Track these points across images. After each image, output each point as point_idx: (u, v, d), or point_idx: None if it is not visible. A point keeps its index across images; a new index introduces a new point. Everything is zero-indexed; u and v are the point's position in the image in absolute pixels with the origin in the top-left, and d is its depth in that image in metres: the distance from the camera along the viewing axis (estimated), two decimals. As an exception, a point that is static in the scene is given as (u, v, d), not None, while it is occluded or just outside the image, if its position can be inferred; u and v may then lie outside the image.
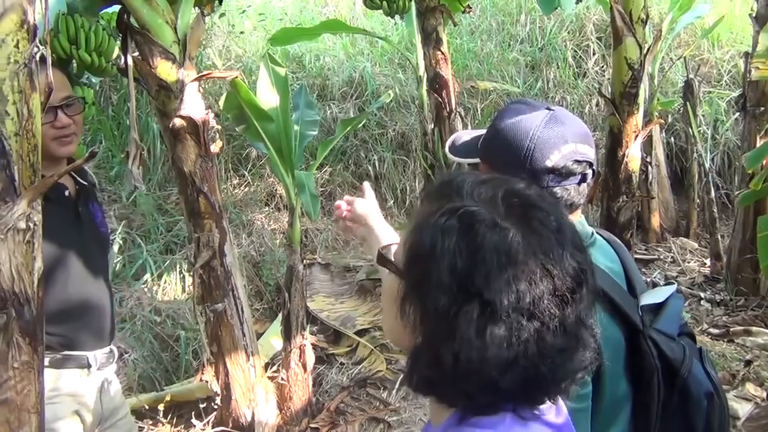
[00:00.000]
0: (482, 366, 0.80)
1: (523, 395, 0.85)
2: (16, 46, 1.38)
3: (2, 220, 1.38)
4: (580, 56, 7.61)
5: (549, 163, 1.33)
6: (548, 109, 1.39)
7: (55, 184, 2.01)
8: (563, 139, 1.34)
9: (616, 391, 1.33)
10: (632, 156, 3.67)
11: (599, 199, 3.91)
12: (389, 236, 1.37)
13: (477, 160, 1.44)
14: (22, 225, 1.40)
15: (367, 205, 1.43)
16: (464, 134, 1.56)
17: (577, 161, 1.34)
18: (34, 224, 1.44)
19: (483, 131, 1.51)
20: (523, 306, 0.80)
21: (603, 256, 1.41)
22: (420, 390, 0.89)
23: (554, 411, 0.91)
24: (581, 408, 1.22)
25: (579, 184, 1.37)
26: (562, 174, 1.34)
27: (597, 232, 1.47)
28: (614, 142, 3.70)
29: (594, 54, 7.58)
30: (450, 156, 1.54)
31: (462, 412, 0.87)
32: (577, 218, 1.41)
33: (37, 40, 1.43)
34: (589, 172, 1.38)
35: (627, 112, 3.59)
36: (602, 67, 7.54)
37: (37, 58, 1.44)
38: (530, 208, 0.86)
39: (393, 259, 0.98)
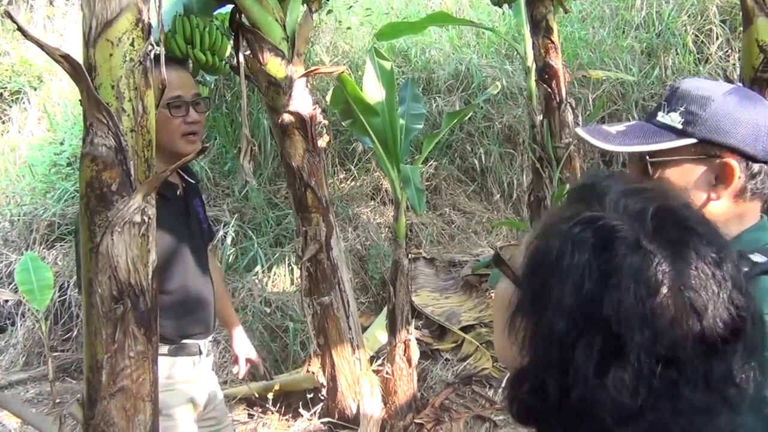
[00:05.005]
0: (596, 410, 0.67)
1: None
2: (132, 44, 1.43)
3: (119, 213, 1.43)
4: (702, 41, 7.13)
5: None
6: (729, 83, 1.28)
7: (169, 184, 2.09)
8: None
9: None
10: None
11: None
12: None
13: (687, 140, 1.25)
14: (138, 218, 1.45)
15: None
16: (606, 127, 1.37)
17: None
18: (149, 218, 1.48)
19: (624, 123, 1.35)
20: (659, 349, 0.66)
21: None
22: (520, 419, 0.76)
23: None
24: None
25: None
26: None
27: None
28: (742, 132, 3.41)
29: (717, 38, 7.08)
30: (621, 149, 1.30)
31: None
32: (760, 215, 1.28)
33: (151, 38, 1.47)
34: None
35: (758, 98, 3.31)
36: (726, 52, 7.04)
37: (152, 56, 1.48)
38: (686, 231, 0.71)
39: (510, 263, 0.83)
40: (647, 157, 1.28)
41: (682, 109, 1.27)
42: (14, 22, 1.29)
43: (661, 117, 1.29)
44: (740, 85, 1.31)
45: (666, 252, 0.68)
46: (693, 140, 1.25)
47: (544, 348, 0.71)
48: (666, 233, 0.70)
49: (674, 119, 1.27)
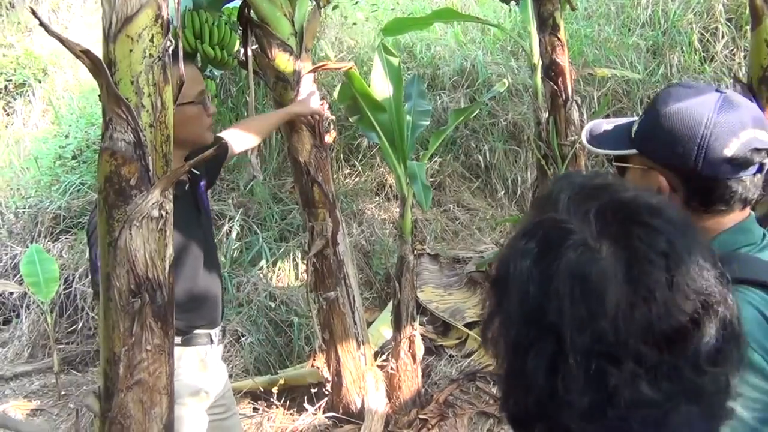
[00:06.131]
0: (557, 412, 0.68)
1: None
2: (151, 40, 1.44)
3: (137, 208, 1.44)
4: (708, 39, 7.12)
5: (728, 152, 1.17)
6: (717, 91, 1.23)
7: (178, 180, 2.11)
8: (742, 125, 1.18)
9: None
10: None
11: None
12: None
13: (628, 151, 1.30)
14: (156, 213, 1.46)
15: None
16: (603, 123, 1.41)
17: (756, 149, 1.19)
18: (166, 212, 1.50)
19: (625, 119, 1.39)
20: (602, 347, 0.65)
21: None
22: (514, 428, 0.78)
23: None
24: None
25: (754, 175, 1.21)
26: (740, 164, 1.18)
27: None
28: (750, 131, 3.41)
29: (723, 37, 7.08)
30: (590, 148, 1.39)
31: None
32: (749, 216, 1.26)
33: (170, 34, 1.48)
34: (767, 161, 1.21)
35: (766, 98, 3.29)
36: (732, 50, 7.03)
37: (170, 51, 1.49)
38: (631, 224, 0.70)
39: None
40: (614, 160, 1.34)
41: (642, 117, 1.30)
42: (37, 17, 1.29)
43: (635, 123, 1.32)
44: (735, 87, 1.29)
45: (612, 248, 0.68)
46: (634, 151, 1.28)
47: (507, 358, 0.73)
48: (611, 230, 0.70)
49: (635, 128, 1.31)
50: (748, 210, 1.26)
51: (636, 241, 0.68)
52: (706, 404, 0.69)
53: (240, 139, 2.72)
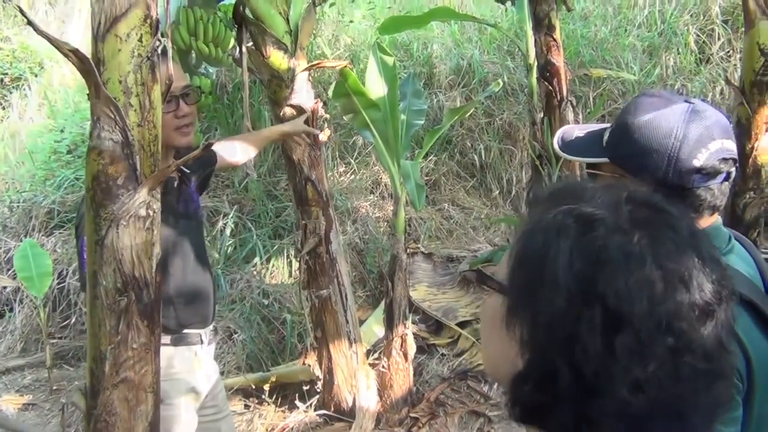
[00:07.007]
0: (610, 383, 0.67)
1: (659, 427, 0.69)
2: (140, 40, 1.44)
3: (125, 207, 1.44)
4: (704, 41, 7.14)
5: (697, 163, 1.20)
6: (686, 101, 1.25)
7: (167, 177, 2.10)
8: (710, 136, 1.21)
9: (765, 411, 1.17)
10: (762, 149, 3.41)
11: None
12: None
13: (598, 159, 1.32)
14: (143, 212, 1.47)
15: None
16: (574, 129, 1.43)
17: (724, 159, 1.22)
18: (154, 212, 1.50)
19: (597, 126, 1.40)
20: (656, 316, 0.67)
21: (742, 261, 1.27)
22: (524, 419, 0.76)
23: None
24: None
25: (722, 183, 1.25)
26: (709, 173, 1.22)
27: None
28: (741, 134, 3.43)
29: (719, 39, 7.10)
30: (561, 154, 1.41)
31: None
32: (715, 221, 1.29)
33: (159, 34, 1.48)
34: (733, 169, 1.25)
35: (758, 102, 3.32)
36: (728, 52, 7.05)
37: (159, 51, 1.49)
38: (658, 212, 0.74)
39: (495, 276, 0.84)
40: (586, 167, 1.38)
41: (613, 126, 1.32)
42: (24, 16, 1.30)
43: (607, 132, 1.34)
44: (699, 99, 1.31)
45: (644, 231, 0.71)
46: (605, 160, 1.31)
47: (547, 333, 0.71)
48: (641, 215, 0.73)
49: (606, 136, 1.33)
50: (716, 216, 1.30)
51: (665, 227, 0.72)
52: (725, 385, 0.73)
53: (229, 150, 2.69)
